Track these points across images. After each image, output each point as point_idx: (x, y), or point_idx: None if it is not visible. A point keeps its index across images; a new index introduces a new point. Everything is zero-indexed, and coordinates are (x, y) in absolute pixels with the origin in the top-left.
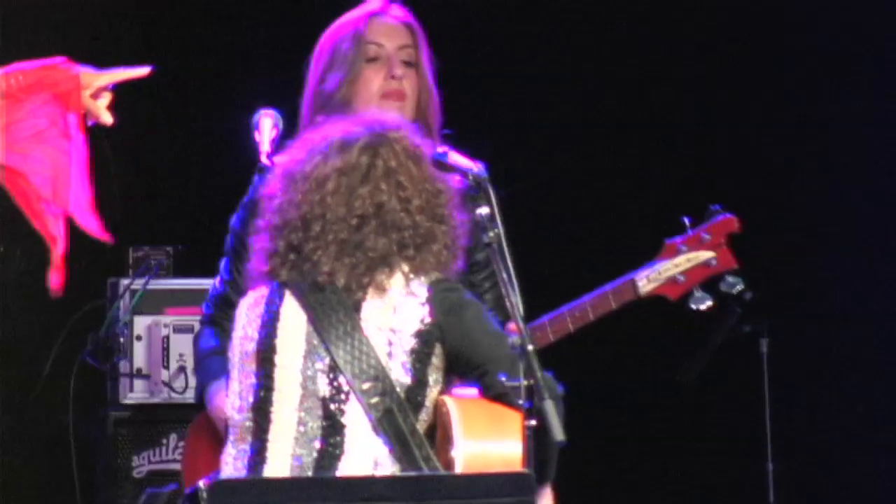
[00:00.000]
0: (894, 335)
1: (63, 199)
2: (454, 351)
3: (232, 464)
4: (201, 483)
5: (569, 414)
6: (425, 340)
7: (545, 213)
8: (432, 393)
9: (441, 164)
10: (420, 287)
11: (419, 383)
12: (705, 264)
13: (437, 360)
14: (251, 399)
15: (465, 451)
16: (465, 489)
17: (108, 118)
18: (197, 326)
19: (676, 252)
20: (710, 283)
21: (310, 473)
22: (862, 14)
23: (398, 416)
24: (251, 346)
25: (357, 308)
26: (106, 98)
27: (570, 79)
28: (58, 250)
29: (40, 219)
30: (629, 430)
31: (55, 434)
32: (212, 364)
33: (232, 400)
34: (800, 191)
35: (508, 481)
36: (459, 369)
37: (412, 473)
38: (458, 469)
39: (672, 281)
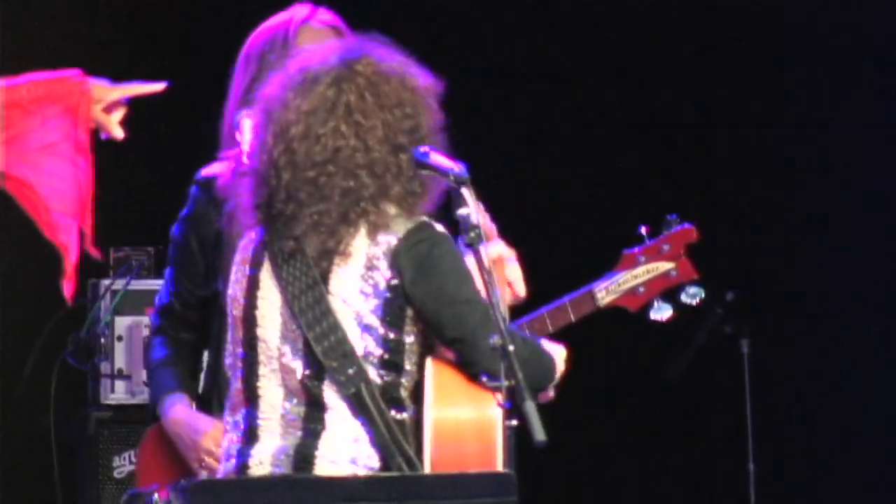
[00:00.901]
0: (874, 335)
1: (75, 211)
2: (424, 315)
3: (228, 437)
4: (156, 497)
5: (550, 410)
6: (395, 305)
7: (530, 213)
8: (412, 355)
9: (421, 165)
10: (386, 247)
11: (394, 350)
12: (665, 275)
13: (411, 321)
14: (240, 367)
15: (434, 416)
16: (447, 489)
17: (119, 133)
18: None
19: (635, 263)
20: (671, 294)
21: (296, 451)
22: (862, 14)
23: (368, 394)
24: (238, 311)
25: (325, 280)
26: (119, 113)
27: (565, 76)
28: (70, 260)
29: (50, 228)
30: (610, 430)
31: (37, 434)
32: (163, 376)
33: (226, 356)
34: (780, 192)
35: (490, 481)
36: (434, 333)
37: (394, 473)
38: (427, 433)
39: (631, 292)
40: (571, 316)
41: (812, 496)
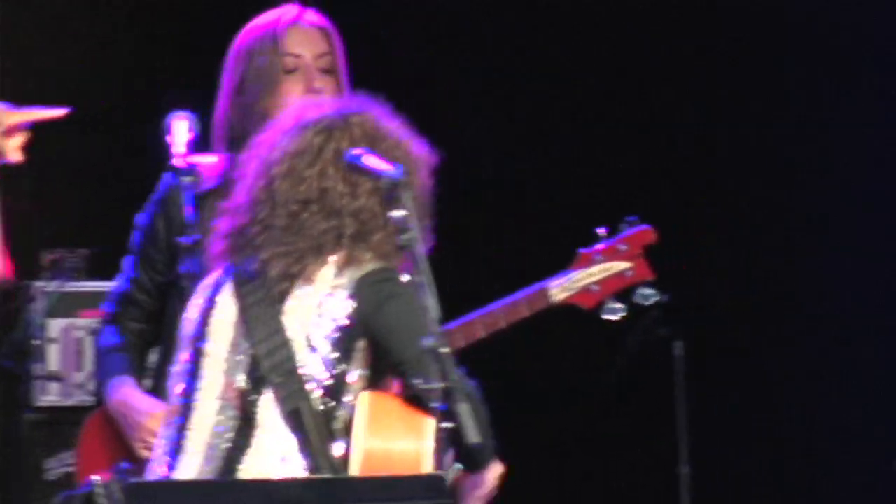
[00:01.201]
0: (805, 336)
1: None
2: (377, 346)
3: (159, 449)
4: (96, 478)
5: (486, 412)
6: (348, 335)
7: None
8: (354, 388)
9: (354, 167)
10: (350, 279)
11: (339, 379)
12: (621, 275)
13: (360, 355)
14: (182, 384)
15: (362, 448)
16: (379, 492)
17: (16, 157)
18: None
19: (591, 262)
20: (624, 294)
21: (219, 465)
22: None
23: (310, 413)
24: (189, 331)
25: (282, 300)
26: (19, 138)
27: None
28: None
29: None
30: (544, 434)
31: None
32: (112, 361)
33: (173, 381)
34: (706, 193)
35: (421, 484)
36: (385, 365)
37: (326, 476)
38: (354, 466)
39: (586, 290)
40: (524, 311)
41: (745, 499)
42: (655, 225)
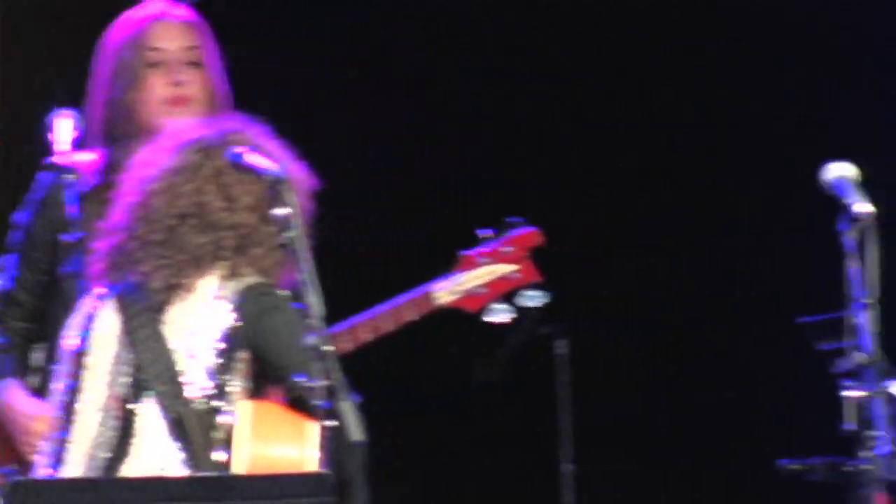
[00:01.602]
0: (687, 335)
1: None
2: (260, 355)
3: (42, 461)
4: None
5: (365, 422)
6: (230, 345)
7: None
8: (235, 399)
9: (237, 166)
10: (233, 291)
11: (221, 388)
12: (507, 277)
13: (242, 365)
14: (64, 398)
15: (246, 454)
16: (264, 490)
17: None
18: None
19: (475, 264)
20: (508, 296)
21: (98, 475)
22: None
23: (191, 420)
24: (70, 346)
25: (163, 311)
26: None
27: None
28: None
29: None
30: (426, 434)
31: None
32: None
33: (55, 396)
34: (594, 195)
35: (307, 482)
36: (267, 373)
37: (211, 474)
38: (241, 469)
39: (471, 293)
40: (407, 315)
41: (629, 496)
42: (542, 225)
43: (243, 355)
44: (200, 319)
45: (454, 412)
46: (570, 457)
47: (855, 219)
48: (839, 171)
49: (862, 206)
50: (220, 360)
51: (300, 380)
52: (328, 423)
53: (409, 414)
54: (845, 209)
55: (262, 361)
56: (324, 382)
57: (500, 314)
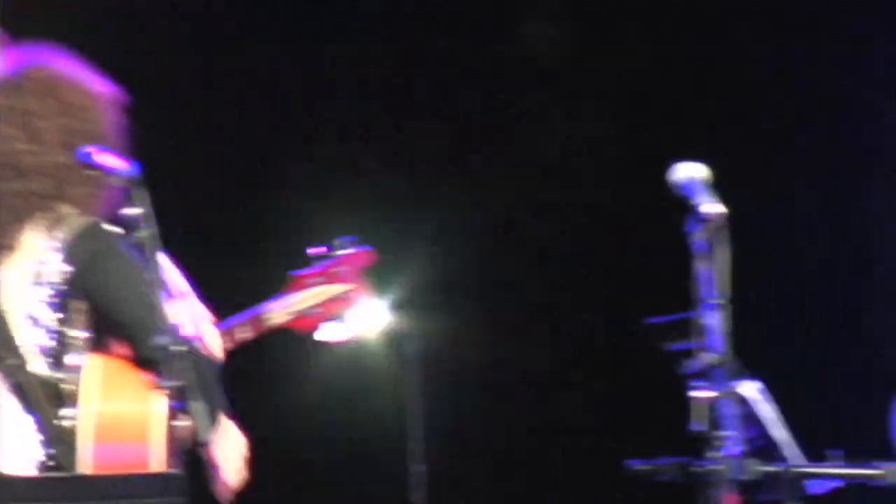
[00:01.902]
0: (538, 335)
1: None
2: (95, 305)
3: None
4: None
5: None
6: (65, 297)
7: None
8: (78, 351)
9: (87, 165)
10: (60, 240)
11: (61, 342)
12: (339, 297)
13: (79, 316)
14: None
15: (94, 412)
16: (114, 489)
17: None
18: None
19: (306, 285)
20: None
21: None
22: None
23: (34, 383)
24: None
25: None
26: None
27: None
28: None
29: None
30: (286, 432)
31: None
32: None
33: None
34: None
35: (158, 482)
36: (106, 325)
37: (61, 474)
38: (87, 431)
39: (303, 314)
40: (239, 336)
41: (486, 496)
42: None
43: (79, 306)
44: (32, 277)
45: (308, 412)
46: (422, 457)
47: (704, 219)
48: (688, 172)
49: (712, 207)
50: (57, 314)
51: (146, 342)
52: (176, 423)
53: (273, 415)
54: (694, 210)
55: (98, 313)
56: (177, 382)
57: (331, 334)
